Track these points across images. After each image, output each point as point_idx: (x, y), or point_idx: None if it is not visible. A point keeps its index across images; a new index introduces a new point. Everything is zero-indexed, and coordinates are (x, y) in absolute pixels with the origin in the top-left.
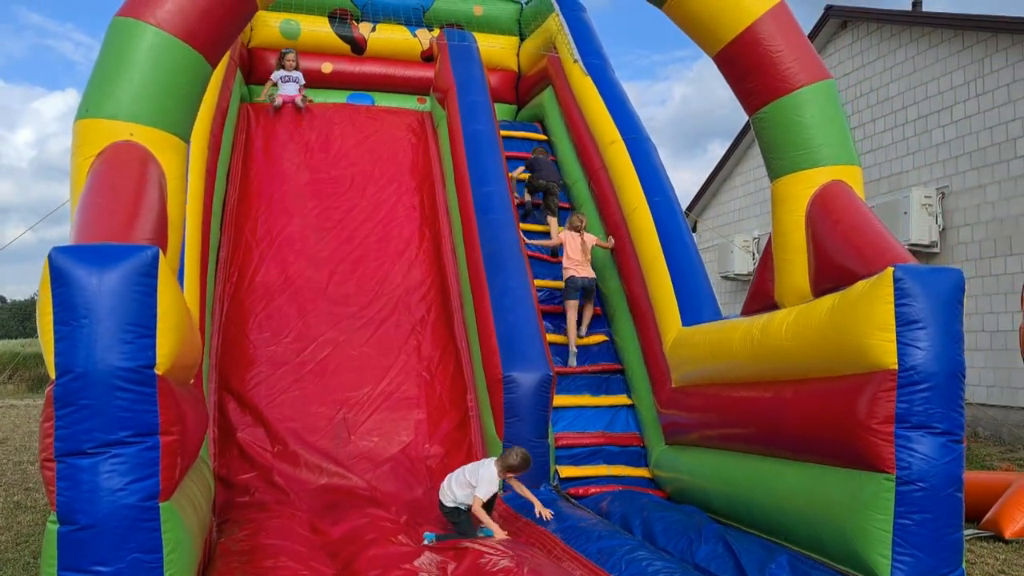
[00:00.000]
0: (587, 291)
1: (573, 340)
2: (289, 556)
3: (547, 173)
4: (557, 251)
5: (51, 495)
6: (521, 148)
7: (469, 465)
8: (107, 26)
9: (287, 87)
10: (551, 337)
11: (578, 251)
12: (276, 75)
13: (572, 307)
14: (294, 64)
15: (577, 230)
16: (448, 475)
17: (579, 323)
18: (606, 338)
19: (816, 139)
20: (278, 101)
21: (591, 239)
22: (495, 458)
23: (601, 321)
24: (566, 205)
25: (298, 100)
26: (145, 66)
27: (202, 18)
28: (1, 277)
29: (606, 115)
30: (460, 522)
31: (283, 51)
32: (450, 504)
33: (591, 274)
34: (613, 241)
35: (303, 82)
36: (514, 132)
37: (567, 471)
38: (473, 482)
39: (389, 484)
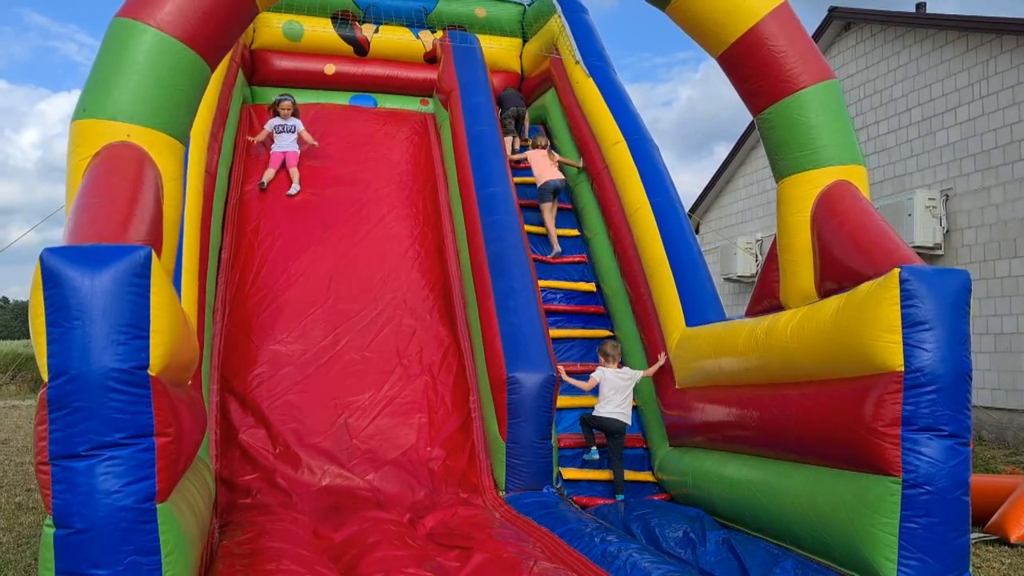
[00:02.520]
0: (557, 191)
1: (553, 235)
2: (292, 559)
3: (512, 101)
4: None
5: (47, 498)
6: (523, 150)
7: (618, 389)
8: (106, 26)
9: (282, 139)
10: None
11: (545, 159)
12: (270, 124)
13: (547, 208)
14: (290, 111)
15: (542, 148)
16: (611, 402)
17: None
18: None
19: (821, 139)
20: (267, 178)
21: (556, 156)
22: (607, 369)
23: (604, 320)
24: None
25: (294, 181)
26: (143, 67)
27: (202, 20)
28: (4, 278)
29: (609, 116)
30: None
31: (277, 98)
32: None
33: (560, 176)
34: (583, 162)
35: (301, 128)
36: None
37: (570, 473)
38: (629, 387)
39: (392, 486)
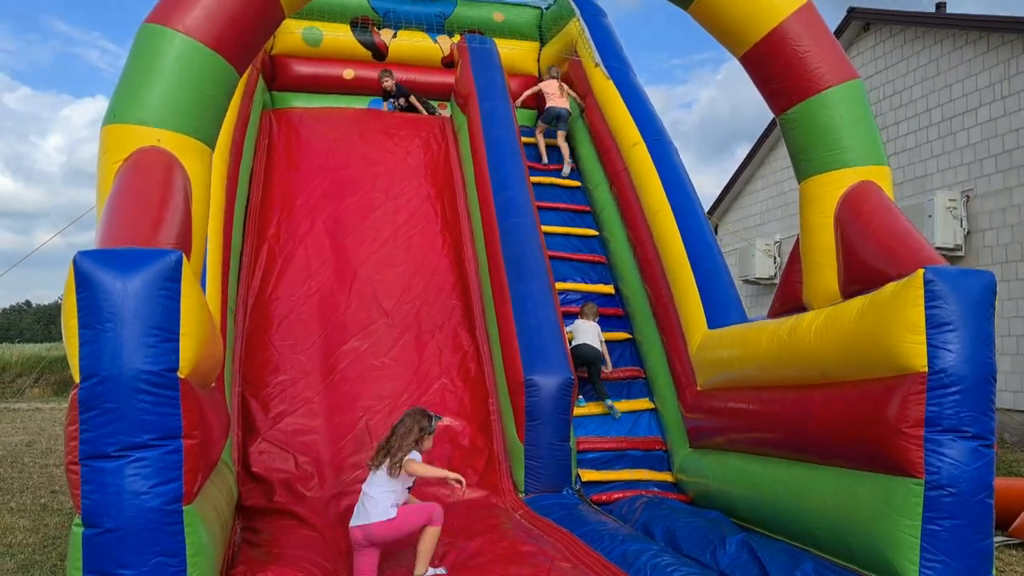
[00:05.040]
0: (559, 117)
1: (543, 147)
2: (310, 562)
3: None
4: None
5: (76, 498)
6: None
7: (589, 330)
8: (135, 32)
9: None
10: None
11: (556, 90)
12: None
13: (540, 130)
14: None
15: (555, 78)
16: (582, 338)
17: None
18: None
19: (844, 140)
20: None
21: (566, 88)
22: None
23: (623, 322)
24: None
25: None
26: (173, 73)
27: (230, 25)
28: (28, 281)
29: (628, 118)
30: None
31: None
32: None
33: (567, 106)
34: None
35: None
36: (535, 138)
37: (589, 475)
38: (599, 332)
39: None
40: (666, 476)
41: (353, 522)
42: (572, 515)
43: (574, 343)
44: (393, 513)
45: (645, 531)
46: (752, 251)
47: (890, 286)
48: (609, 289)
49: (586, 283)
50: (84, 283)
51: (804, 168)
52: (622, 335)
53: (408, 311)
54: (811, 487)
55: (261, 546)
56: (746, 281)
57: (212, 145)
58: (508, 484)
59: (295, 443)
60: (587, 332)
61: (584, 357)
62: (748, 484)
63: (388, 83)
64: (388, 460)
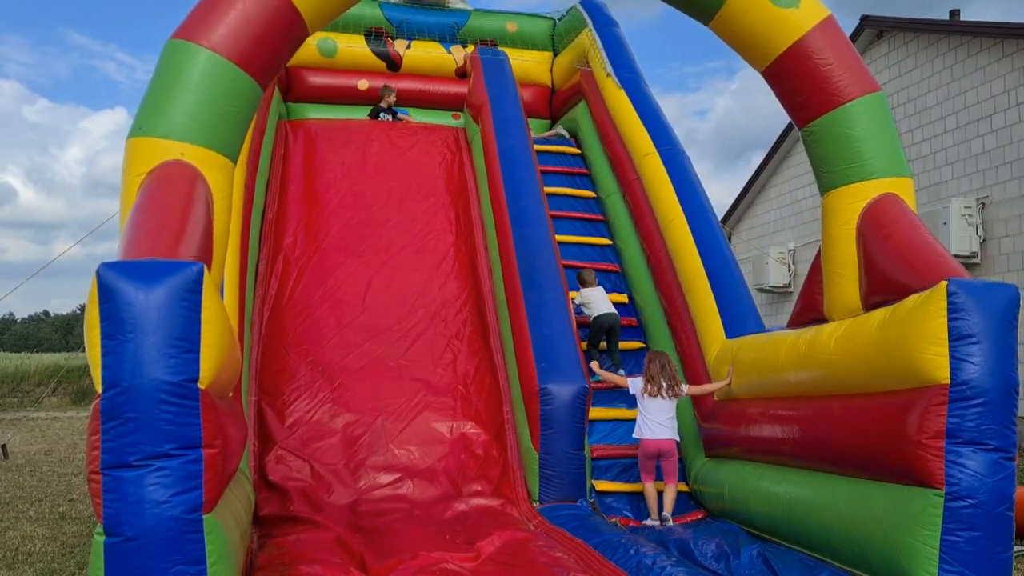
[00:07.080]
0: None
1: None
2: (327, 568)
3: None
4: None
5: (97, 507)
6: (555, 162)
7: (602, 298)
8: (161, 47)
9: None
10: None
11: None
12: None
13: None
14: None
15: None
16: (599, 307)
17: None
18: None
19: (867, 152)
20: None
21: None
22: (587, 290)
23: (637, 332)
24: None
25: None
26: (198, 88)
27: (255, 42)
28: (47, 292)
29: (640, 127)
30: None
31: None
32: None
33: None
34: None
35: None
36: (548, 147)
37: (603, 485)
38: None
39: (426, 496)
40: (681, 487)
41: (643, 436)
42: (586, 525)
43: (595, 313)
44: (678, 437)
45: (659, 542)
46: (766, 259)
47: (912, 298)
48: (623, 298)
49: None
50: (107, 294)
51: (827, 180)
52: (636, 344)
53: (422, 320)
54: (828, 497)
55: (279, 551)
56: (760, 289)
57: (234, 159)
58: (523, 493)
59: (311, 451)
60: (602, 299)
61: (608, 326)
62: (765, 494)
63: (392, 99)
64: (668, 385)
